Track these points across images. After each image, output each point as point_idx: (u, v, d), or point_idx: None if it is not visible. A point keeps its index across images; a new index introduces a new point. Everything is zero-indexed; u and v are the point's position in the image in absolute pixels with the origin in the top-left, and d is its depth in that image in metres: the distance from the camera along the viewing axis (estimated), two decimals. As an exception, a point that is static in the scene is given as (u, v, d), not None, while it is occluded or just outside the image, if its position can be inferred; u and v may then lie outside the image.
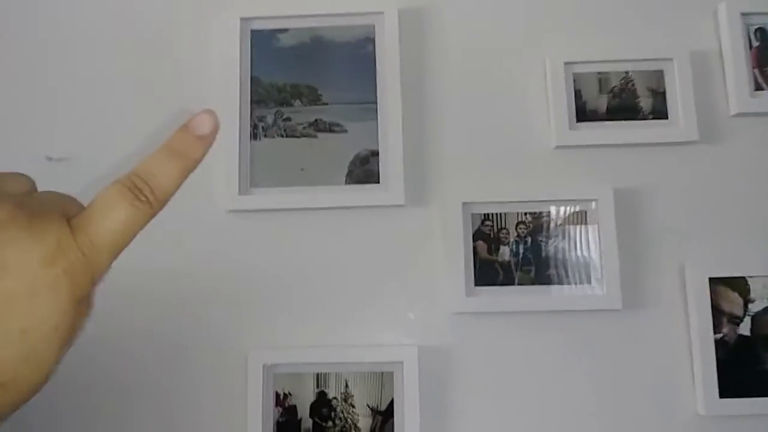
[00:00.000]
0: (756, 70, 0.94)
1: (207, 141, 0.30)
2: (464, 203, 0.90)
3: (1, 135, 0.97)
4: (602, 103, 0.93)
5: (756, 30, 0.94)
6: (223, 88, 0.95)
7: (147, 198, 0.27)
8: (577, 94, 0.93)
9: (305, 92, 0.97)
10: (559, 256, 0.90)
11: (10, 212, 0.24)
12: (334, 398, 0.88)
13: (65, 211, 0.27)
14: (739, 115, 0.92)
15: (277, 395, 0.88)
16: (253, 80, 0.97)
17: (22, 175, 0.29)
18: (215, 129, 0.30)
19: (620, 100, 0.93)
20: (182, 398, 0.89)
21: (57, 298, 0.24)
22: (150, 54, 0.98)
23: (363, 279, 0.91)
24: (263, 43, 0.98)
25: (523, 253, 0.90)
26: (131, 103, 0.97)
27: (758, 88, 0.93)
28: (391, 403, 0.88)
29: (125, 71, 0.98)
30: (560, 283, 0.89)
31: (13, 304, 0.23)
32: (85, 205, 0.27)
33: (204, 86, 0.97)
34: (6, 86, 0.98)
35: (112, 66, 0.98)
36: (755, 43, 0.94)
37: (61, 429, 0.89)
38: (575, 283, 0.89)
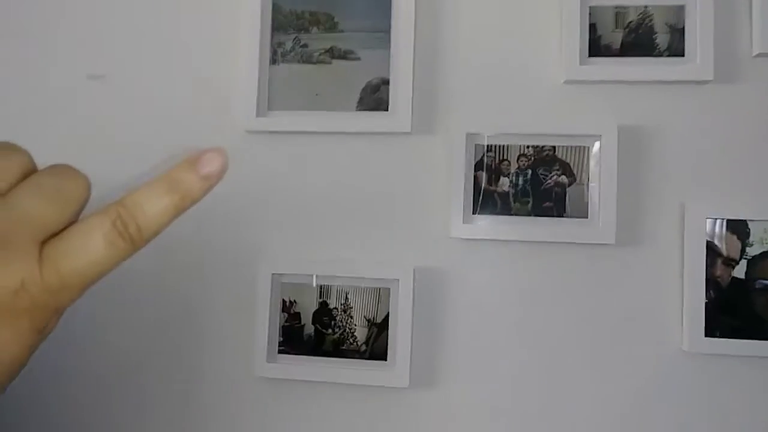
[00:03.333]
0: (786, 8, 0.90)
1: (211, 182, 0.27)
2: (468, 134, 0.93)
3: (43, 54, 1.05)
4: (617, 38, 0.92)
5: (792, -36, 0.89)
6: (246, 14, 0.99)
7: (131, 236, 0.26)
8: (592, 28, 0.92)
9: (322, 19, 1.00)
10: (558, 189, 0.92)
11: None
12: (335, 308, 0.96)
13: (43, 226, 0.24)
14: (761, 55, 0.89)
15: (284, 302, 0.97)
16: (274, 7, 1.01)
17: (14, 151, 0.26)
18: (223, 170, 0.27)
19: (636, 35, 0.92)
20: (198, 302, 0.99)
21: (16, 330, 0.23)
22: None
23: (368, 201, 0.96)
24: (285, -30, 1.00)
25: (522, 185, 0.92)
26: (164, 25, 1.03)
27: (787, 27, 0.90)
28: (387, 316, 0.94)
29: (158, 1, 1.04)
30: (557, 215, 0.91)
31: None
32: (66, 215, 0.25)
33: (228, 12, 1.01)
34: (50, 6, 1.06)
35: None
36: (789, -21, 0.89)
37: (90, 350, 1.01)
38: (571, 217, 0.91)
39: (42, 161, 0.28)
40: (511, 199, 0.93)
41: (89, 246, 0.25)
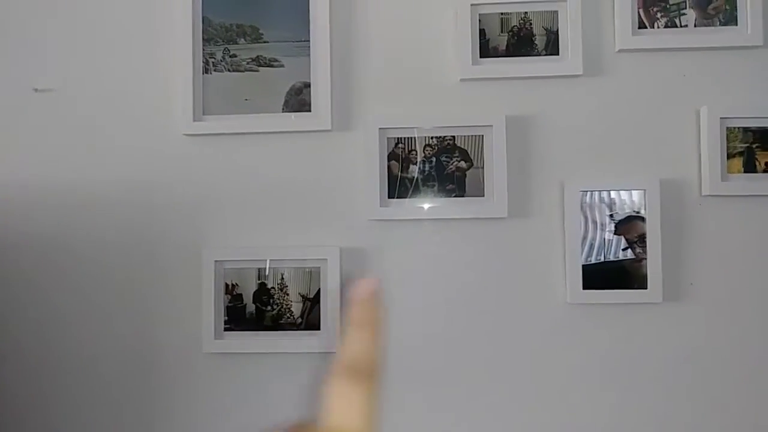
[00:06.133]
0: (641, 10, 1.06)
1: (371, 303, 0.31)
2: (380, 128, 1.07)
3: (-7, 69, 1.14)
4: (503, 41, 1.07)
5: (643, -26, 1.06)
6: (179, 28, 1.10)
7: (366, 374, 0.29)
8: (482, 33, 1.07)
9: (249, 31, 1.12)
10: (458, 173, 1.06)
11: None
12: (273, 288, 1.09)
13: None
14: (622, 51, 1.06)
15: (227, 285, 1.09)
16: (205, 20, 1.12)
17: None
18: (370, 292, 0.31)
19: (519, 38, 1.07)
20: (148, 289, 1.10)
21: None
22: (119, 1, 1.14)
23: (297, 192, 1.09)
24: (212, -12, 1.12)
25: (429, 171, 1.07)
26: (104, 40, 1.13)
27: (642, 26, 1.06)
28: (318, 291, 1.08)
29: (99, 14, 1.13)
30: (459, 195, 1.06)
31: None
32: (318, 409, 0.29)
33: (163, 26, 1.12)
34: (-5, 27, 1.14)
35: (87, 6, 1.13)
36: (642, -14, 1.06)
37: (51, 311, 1.11)
38: (471, 196, 1.06)
39: None
40: (420, 183, 1.07)
41: (349, 404, 0.29)
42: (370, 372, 0.29)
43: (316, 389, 0.31)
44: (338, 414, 0.28)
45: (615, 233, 1.03)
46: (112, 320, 1.10)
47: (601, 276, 1.03)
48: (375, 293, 0.32)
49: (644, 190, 1.03)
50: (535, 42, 1.07)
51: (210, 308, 1.07)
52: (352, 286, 0.32)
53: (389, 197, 1.07)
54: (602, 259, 1.03)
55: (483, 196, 1.06)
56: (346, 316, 0.31)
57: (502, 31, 1.07)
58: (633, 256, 1.02)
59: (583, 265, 1.03)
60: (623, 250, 1.03)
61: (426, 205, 1.06)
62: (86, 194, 1.12)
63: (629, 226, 1.03)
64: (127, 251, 1.11)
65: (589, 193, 1.04)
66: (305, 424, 0.28)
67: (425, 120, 1.07)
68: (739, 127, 1.04)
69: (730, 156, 1.04)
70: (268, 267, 1.08)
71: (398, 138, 1.08)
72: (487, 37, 1.07)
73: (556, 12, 1.07)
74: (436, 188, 1.07)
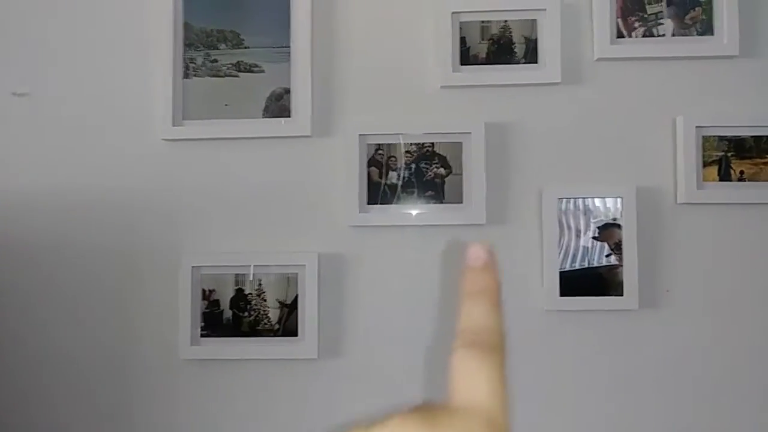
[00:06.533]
0: (619, 20, 1.07)
1: (489, 268, 0.29)
2: (360, 135, 1.07)
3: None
4: (483, 49, 1.08)
5: (621, -16, 1.07)
6: (160, 33, 1.10)
7: (491, 346, 0.27)
8: (462, 41, 1.08)
9: (229, 36, 1.12)
10: (438, 180, 1.07)
11: None
12: (250, 294, 1.08)
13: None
14: (600, 60, 1.07)
15: (204, 291, 1.08)
16: (186, 26, 1.12)
17: None
18: (488, 256, 0.30)
19: (498, 46, 1.08)
20: (125, 294, 1.09)
21: None
22: (101, 3, 1.13)
23: (275, 198, 1.09)
24: (193, -7, 1.12)
25: (408, 177, 1.07)
26: (84, 45, 1.12)
27: (620, 35, 1.07)
28: (296, 298, 1.07)
29: (78, 19, 1.13)
30: (438, 202, 1.06)
31: None
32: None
33: (144, 31, 1.12)
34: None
35: (66, 11, 1.13)
36: (620, -5, 1.07)
37: (35, 318, 1.10)
38: (449, 203, 1.06)
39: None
40: (399, 190, 1.07)
41: (477, 378, 0.26)
42: (495, 344, 0.27)
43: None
44: (466, 392, 0.25)
45: (598, 239, 1.04)
46: (89, 325, 1.09)
47: (579, 283, 1.03)
48: (490, 258, 0.29)
49: (621, 197, 1.03)
50: (515, 50, 1.08)
51: (187, 314, 1.07)
52: (465, 253, 0.29)
53: (369, 203, 1.07)
54: (586, 266, 1.03)
55: (462, 202, 1.06)
56: (460, 286, 0.29)
57: (482, 39, 1.08)
58: (617, 262, 1.03)
59: (560, 272, 1.03)
60: (607, 256, 1.03)
61: (405, 212, 1.06)
62: (64, 199, 1.11)
63: (606, 233, 1.04)
64: (105, 256, 1.10)
65: (566, 200, 1.04)
66: (431, 406, 0.25)
67: (405, 126, 1.07)
68: (714, 136, 1.05)
69: (705, 164, 1.04)
70: (252, 273, 1.07)
71: (378, 144, 1.08)
72: (467, 44, 1.08)
73: (535, 21, 1.07)
74: (415, 195, 1.07)
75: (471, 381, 0.26)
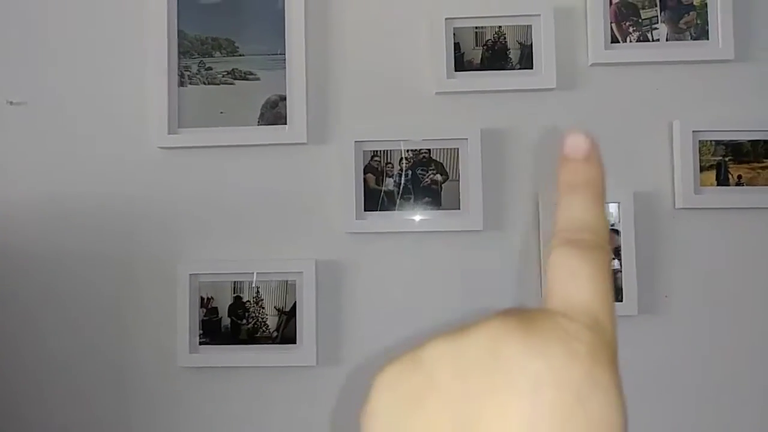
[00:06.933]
0: (613, 25, 1.07)
1: (591, 159, 0.27)
2: (356, 141, 1.07)
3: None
4: (477, 55, 1.08)
5: (615, -12, 1.07)
6: (155, 41, 1.10)
7: (593, 243, 0.24)
8: (456, 47, 1.08)
9: (224, 44, 1.12)
10: (434, 186, 1.06)
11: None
12: (248, 301, 1.08)
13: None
14: (595, 65, 1.06)
15: (202, 299, 1.08)
16: (180, 33, 1.12)
17: None
18: (591, 146, 0.27)
19: (493, 52, 1.08)
20: (123, 302, 1.09)
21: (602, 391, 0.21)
22: (96, 12, 1.13)
23: (272, 205, 1.09)
24: (188, 0, 1.12)
25: (405, 184, 1.07)
26: (79, 53, 1.12)
27: (614, 40, 1.07)
28: (294, 305, 1.07)
29: (73, 27, 1.13)
30: (434, 208, 1.06)
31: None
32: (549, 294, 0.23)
33: (138, 39, 1.12)
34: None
35: (61, 19, 1.13)
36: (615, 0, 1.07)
37: (32, 323, 1.10)
38: (446, 209, 1.06)
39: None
40: (396, 196, 1.07)
41: (577, 276, 0.23)
42: (597, 241, 0.24)
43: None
44: (566, 294, 0.23)
45: (589, 246, 1.03)
46: (87, 333, 1.09)
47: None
48: (591, 147, 0.27)
49: (618, 203, 1.03)
50: (510, 56, 1.07)
51: (185, 322, 1.07)
52: (562, 143, 0.27)
53: (365, 210, 1.07)
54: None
55: (459, 209, 1.06)
56: (558, 179, 0.26)
57: (476, 45, 1.08)
58: (615, 268, 1.02)
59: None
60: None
61: (402, 218, 1.06)
62: (61, 207, 1.11)
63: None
64: (103, 264, 1.10)
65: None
66: (526, 309, 0.22)
67: (401, 133, 1.07)
68: (711, 141, 1.05)
69: (703, 169, 1.04)
70: (255, 280, 1.07)
71: (374, 151, 1.08)
72: (461, 50, 1.08)
73: (529, 26, 1.07)
74: (412, 201, 1.07)
75: (572, 281, 0.23)
